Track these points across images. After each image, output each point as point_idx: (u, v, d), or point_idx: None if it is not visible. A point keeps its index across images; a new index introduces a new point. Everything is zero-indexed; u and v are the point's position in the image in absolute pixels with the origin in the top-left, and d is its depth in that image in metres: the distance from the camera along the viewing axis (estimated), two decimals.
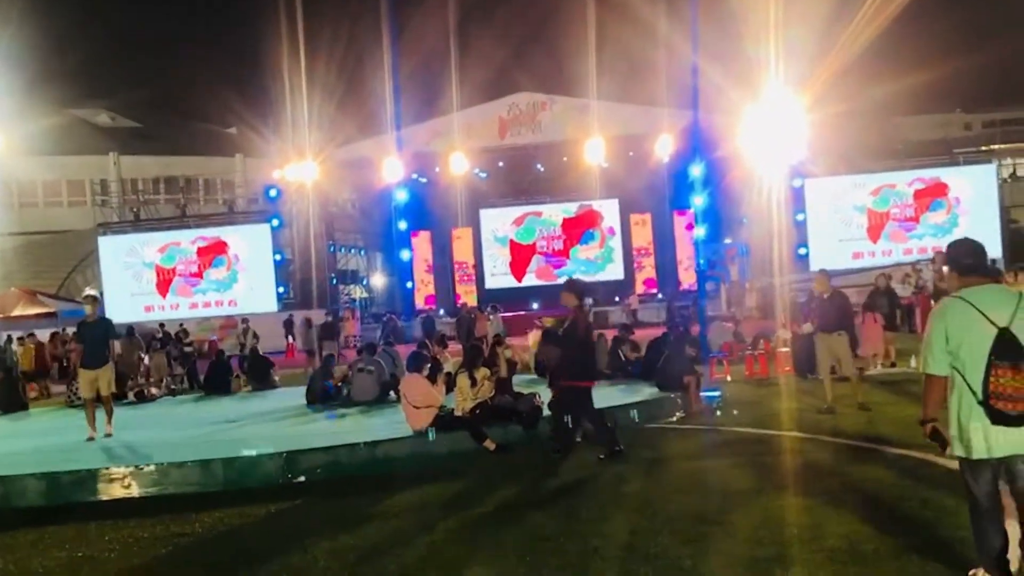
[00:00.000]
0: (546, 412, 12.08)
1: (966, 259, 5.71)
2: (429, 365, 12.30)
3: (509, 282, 50.56)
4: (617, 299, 47.39)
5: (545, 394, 12.34)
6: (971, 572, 5.72)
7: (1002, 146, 54.32)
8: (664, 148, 42.51)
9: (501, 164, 47.33)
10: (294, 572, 7.10)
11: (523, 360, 13.88)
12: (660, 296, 47.23)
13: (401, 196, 46.19)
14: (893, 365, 18.37)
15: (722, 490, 8.68)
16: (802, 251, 40.46)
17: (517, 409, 11.87)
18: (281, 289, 45.68)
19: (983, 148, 49.28)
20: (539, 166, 48.38)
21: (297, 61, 43.00)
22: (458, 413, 11.90)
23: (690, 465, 10.11)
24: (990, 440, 5.38)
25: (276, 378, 21.75)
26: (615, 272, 50.12)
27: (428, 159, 45.83)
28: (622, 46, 42.03)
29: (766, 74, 36.57)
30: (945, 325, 5.54)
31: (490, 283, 50.46)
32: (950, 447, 5.57)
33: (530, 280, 50.55)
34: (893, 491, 8.05)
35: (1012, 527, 5.61)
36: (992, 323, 5.38)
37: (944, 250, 6.03)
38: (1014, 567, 5.60)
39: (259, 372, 21.31)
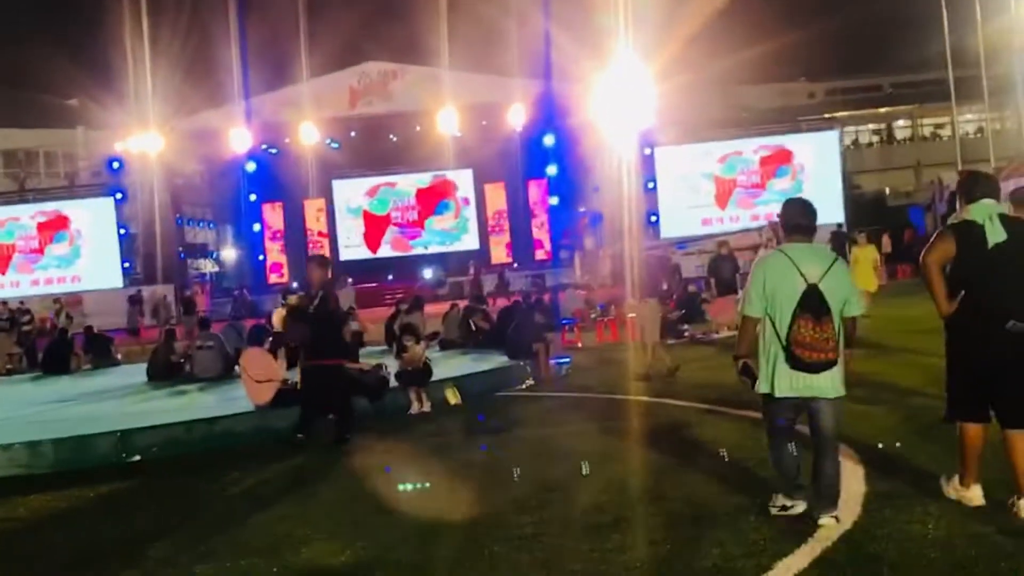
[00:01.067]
0: (393, 383, 11.88)
1: (797, 218, 6.21)
2: (271, 339, 11.92)
3: (364, 253, 50.08)
4: (472, 271, 47.39)
5: (392, 365, 12.15)
6: (776, 500, 6.30)
7: (844, 113, 56.13)
8: (517, 117, 42.58)
9: (353, 134, 46.75)
10: (120, 556, 6.73)
11: (370, 331, 13.56)
12: (515, 265, 47.38)
13: (250, 167, 45.15)
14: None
15: (567, 456, 8.59)
16: (653, 219, 41.06)
17: (363, 381, 11.60)
18: (127, 264, 44.16)
19: (826, 116, 50.78)
20: (392, 136, 47.95)
21: (139, 28, 41.55)
22: (300, 386, 11.56)
23: (536, 432, 10.04)
24: (793, 382, 5.97)
25: (118, 355, 20.95)
26: (471, 242, 50.09)
27: (278, 129, 44.93)
28: (473, 15, 41.82)
29: (615, 43, 36.87)
30: (764, 274, 6.09)
31: (344, 255, 49.80)
32: (759, 384, 6.14)
33: (385, 251, 50.18)
34: (733, 452, 8.10)
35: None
36: (804, 278, 5.92)
37: (776, 217, 6.59)
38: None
39: (99, 349, 20.50)
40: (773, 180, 41.51)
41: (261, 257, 49.15)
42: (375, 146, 48.19)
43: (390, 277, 47.39)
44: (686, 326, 19.01)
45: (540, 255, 48.05)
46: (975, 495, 6.09)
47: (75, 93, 60.04)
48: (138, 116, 42.62)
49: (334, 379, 10.40)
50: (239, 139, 42.86)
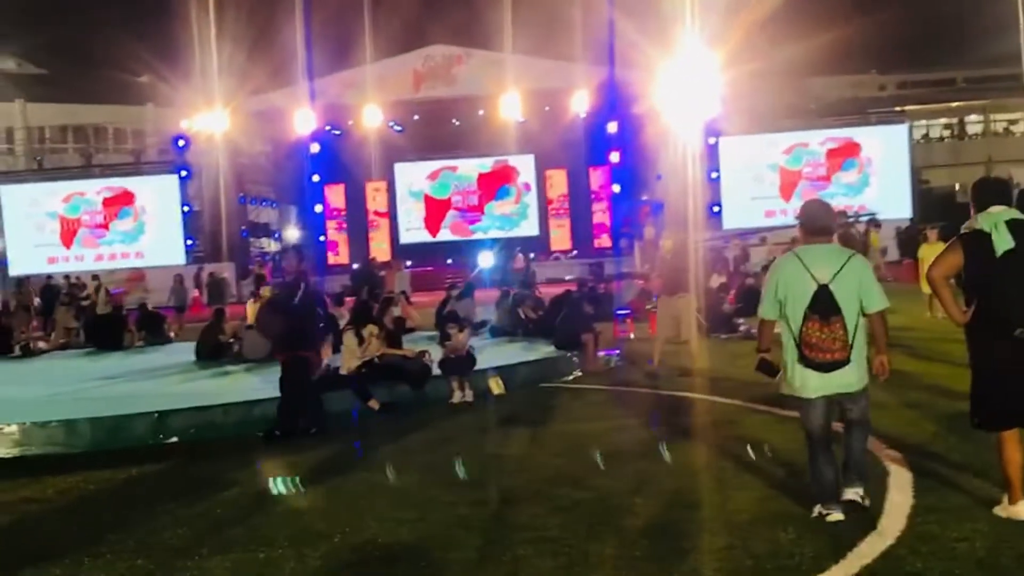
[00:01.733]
0: (436, 371, 11.73)
1: (815, 220, 6.34)
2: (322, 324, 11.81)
3: (423, 237, 49.93)
4: (532, 255, 47.14)
5: (436, 352, 11.99)
6: (814, 509, 6.19)
7: (915, 107, 54.96)
8: (580, 103, 42.14)
9: (416, 118, 46.55)
10: (137, 542, 6.63)
11: (414, 318, 13.36)
12: (575, 253, 47.06)
13: (314, 148, 45.15)
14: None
15: (605, 453, 8.36)
16: (716, 209, 40.51)
17: (405, 368, 11.47)
18: (189, 242, 44.61)
19: (896, 109, 49.75)
20: (455, 120, 47.70)
21: (207, 6, 41.73)
22: (343, 371, 11.45)
23: (577, 427, 9.79)
24: (812, 382, 6.08)
25: (171, 333, 21.07)
26: (530, 228, 49.73)
27: (341, 111, 44.88)
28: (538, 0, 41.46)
29: (681, 30, 36.36)
30: (777, 278, 6.25)
31: (404, 238, 49.75)
32: (780, 378, 6.28)
33: (445, 235, 49.97)
34: (777, 455, 7.83)
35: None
36: (815, 279, 6.02)
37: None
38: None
39: (152, 326, 20.62)
40: (839, 173, 40.70)
41: (322, 238, 49.23)
42: (438, 130, 47.97)
43: (449, 261, 47.27)
44: (742, 320, 18.62)
45: (600, 243, 47.57)
46: (1023, 510, 5.95)
47: (145, 71, 60.65)
48: (204, 95, 42.89)
49: (307, 372, 10.19)
50: (303, 120, 42.88)
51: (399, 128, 46.73)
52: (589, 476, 7.62)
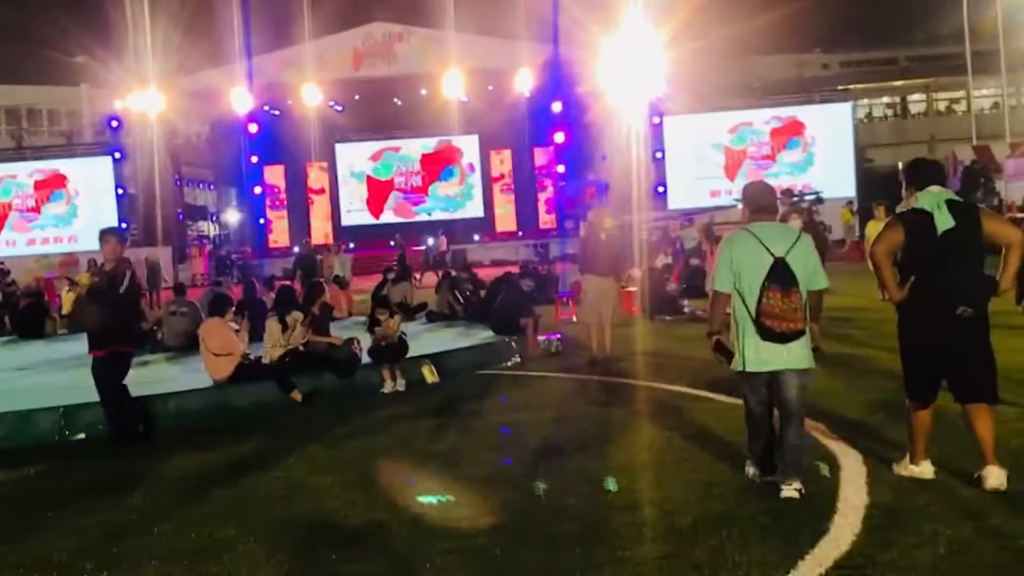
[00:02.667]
0: (365, 360, 11.12)
1: (760, 199, 6.52)
2: (232, 308, 11.10)
3: (366, 219, 49.25)
4: (476, 237, 46.59)
5: (365, 340, 11.38)
6: (748, 470, 6.53)
7: (859, 86, 55.04)
8: (524, 83, 41.54)
9: (357, 97, 45.69)
10: (19, 554, 5.99)
11: (342, 306, 12.58)
12: (520, 234, 46.59)
13: (252, 128, 44.06)
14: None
15: (539, 448, 7.86)
16: (660, 189, 40.16)
17: (332, 357, 10.85)
18: (124, 225, 43.43)
19: (840, 88, 49.71)
20: (397, 100, 46.85)
21: None
22: (265, 360, 10.81)
23: (513, 418, 9.21)
24: (762, 355, 6.15)
25: None
26: (475, 209, 49.26)
27: (280, 90, 43.90)
28: None
29: (625, 8, 35.91)
30: (731, 251, 6.29)
31: (346, 220, 49.07)
32: (734, 362, 6.32)
33: (388, 217, 49.30)
34: (722, 448, 7.35)
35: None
36: (771, 253, 6.12)
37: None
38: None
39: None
40: (784, 152, 40.62)
41: (261, 220, 48.20)
42: (379, 109, 47.09)
43: (392, 243, 46.58)
44: (686, 301, 18.22)
45: (546, 224, 47.10)
46: (926, 469, 6.30)
47: (80, 51, 59.07)
48: (138, 74, 41.68)
49: (124, 370, 9.20)
50: (240, 99, 41.84)
51: (339, 108, 45.89)
52: (523, 474, 7.06)
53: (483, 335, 13.87)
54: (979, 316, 6.07)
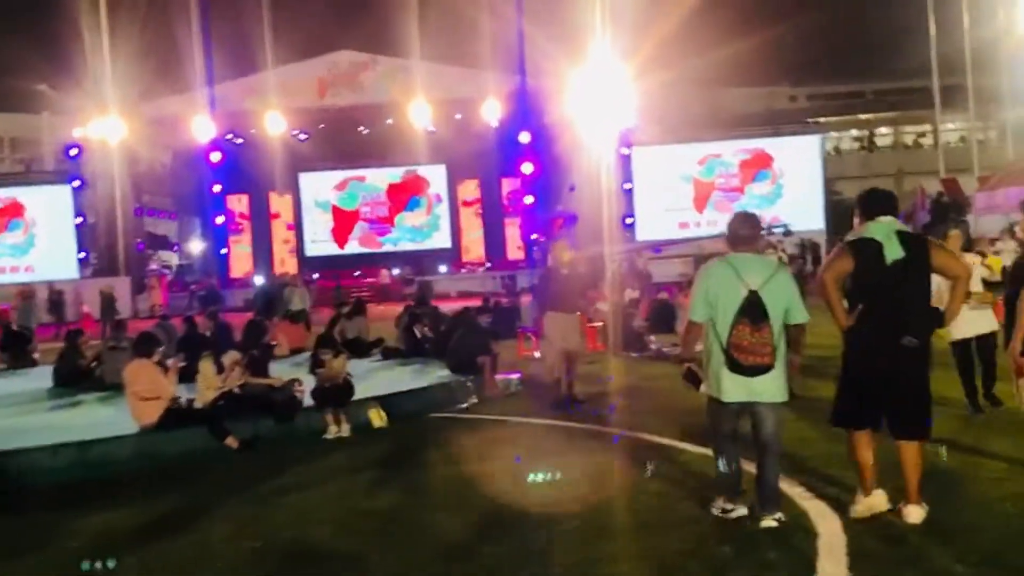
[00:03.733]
0: (308, 402, 10.37)
1: (740, 230, 6.44)
2: (161, 348, 10.27)
3: (331, 249, 48.48)
4: (443, 268, 45.92)
5: (308, 381, 10.61)
6: (716, 505, 6.43)
7: (827, 119, 54.99)
8: (492, 112, 41.01)
9: (322, 126, 45.03)
10: None
11: (283, 344, 11.69)
12: (488, 265, 45.92)
13: (215, 157, 43.25)
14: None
15: (486, 508, 7.14)
16: (629, 220, 39.70)
17: (271, 399, 10.09)
18: (83, 255, 42.56)
19: (809, 120, 49.61)
20: (362, 129, 46.22)
21: (98, 7, 39.69)
22: (199, 404, 10.04)
23: (464, 471, 8.45)
24: (733, 386, 6.16)
25: (36, 355, 19.28)
26: (442, 240, 48.62)
27: (243, 118, 43.19)
28: (448, 5, 40.28)
29: (593, 39, 35.54)
30: (708, 281, 6.32)
31: (311, 250, 48.29)
32: (704, 385, 6.36)
33: (353, 247, 48.57)
34: (682, 513, 6.67)
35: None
36: (746, 285, 6.13)
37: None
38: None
39: (15, 348, 18.85)
40: (752, 184, 40.30)
41: (224, 251, 47.29)
42: (345, 139, 46.42)
43: (357, 274, 45.88)
44: (653, 337, 17.57)
45: (514, 255, 46.47)
46: (879, 501, 6.25)
47: (41, 78, 58.14)
48: (98, 101, 40.84)
49: None
50: (202, 127, 41.11)
51: (304, 136, 45.21)
52: (471, 542, 6.33)
53: (439, 374, 13.13)
54: (922, 348, 6.14)
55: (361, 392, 10.93)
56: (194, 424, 9.57)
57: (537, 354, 17.21)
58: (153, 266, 46.79)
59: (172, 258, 51.45)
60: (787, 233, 28.70)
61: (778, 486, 6.30)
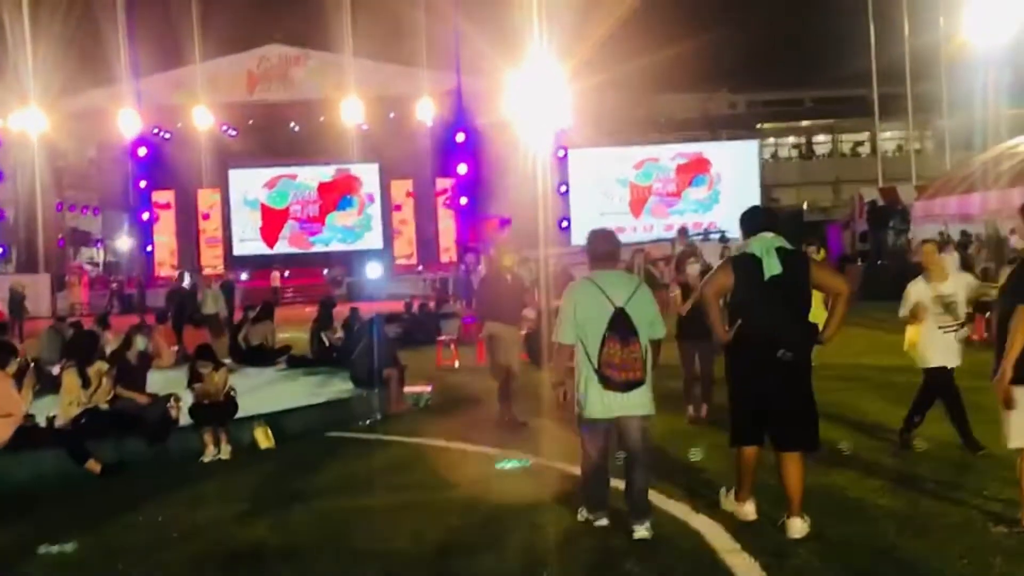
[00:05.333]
0: (185, 420, 9.40)
1: (602, 246, 6.55)
2: (16, 359, 9.16)
3: (260, 248, 47.23)
4: (376, 269, 44.91)
5: (187, 397, 9.63)
6: (580, 513, 6.54)
7: (766, 125, 54.87)
8: (426, 111, 40.15)
9: (251, 121, 43.94)
10: None
11: (165, 356, 10.65)
12: (420, 268, 44.94)
13: (141, 152, 41.86)
14: None
15: (365, 555, 6.28)
16: (564, 224, 39.02)
17: (141, 417, 9.12)
18: (1, 249, 41.11)
19: (746, 127, 49.42)
20: (294, 125, 45.15)
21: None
22: (60, 421, 9.03)
23: (350, 504, 7.52)
24: (605, 402, 6.22)
25: None
26: (374, 241, 47.61)
27: (170, 113, 41.96)
28: (383, 0, 39.33)
29: (530, 39, 34.80)
30: (575, 302, 6.35)
31: (239, 249, 47.00)
32: (577, 404, 6.39)
33: (282, 247, 47.39)
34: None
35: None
36: (611, 302, 6.21)
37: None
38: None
39: None
40: (689, 189, 39.93)
41: (149, 248, 45.85)
42: (275, 135, 45.39)
43: (287, 274, 44.74)
44: None
45: (446, 258, 45.54)
46: (748, 511, 6.42)
47: None
48: (18, 92, 39.32)
49: None
50: (127, 121, 39.74)
51: (233, 132, 44.03)
52: None
53: (340, 387, 12.19)
54: (800, 363, 6.17)
55: (250, 408, 10.02)
56: (49, 445, 8.57)
57: (455, 364, 16.47)
58: (80, 263, 45.36)
59: (97, 255, 49.89)
60: (723, 239, 28.15)
61: (647, 495, 6.38)
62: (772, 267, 6.13)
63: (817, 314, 12.54)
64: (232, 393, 9.58)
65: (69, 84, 39.94)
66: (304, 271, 45.05)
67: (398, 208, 46.94)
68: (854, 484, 7.32)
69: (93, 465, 8.48)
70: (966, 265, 24.25)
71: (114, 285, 42.20)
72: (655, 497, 6.75)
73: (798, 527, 6.08)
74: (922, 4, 37.39)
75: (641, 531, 6.15)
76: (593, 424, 6.34)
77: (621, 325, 6.14)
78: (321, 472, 8.72)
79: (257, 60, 42.12)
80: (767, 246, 6.21)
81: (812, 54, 57.68)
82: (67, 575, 6.12)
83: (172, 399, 9.32)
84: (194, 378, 9.50)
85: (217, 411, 9.31)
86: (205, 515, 7.38)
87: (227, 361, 14.70)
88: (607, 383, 6.14)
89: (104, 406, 9.19)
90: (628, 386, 6.14)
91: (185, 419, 9.35)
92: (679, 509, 6.84)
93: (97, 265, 48.39)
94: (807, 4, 57.04)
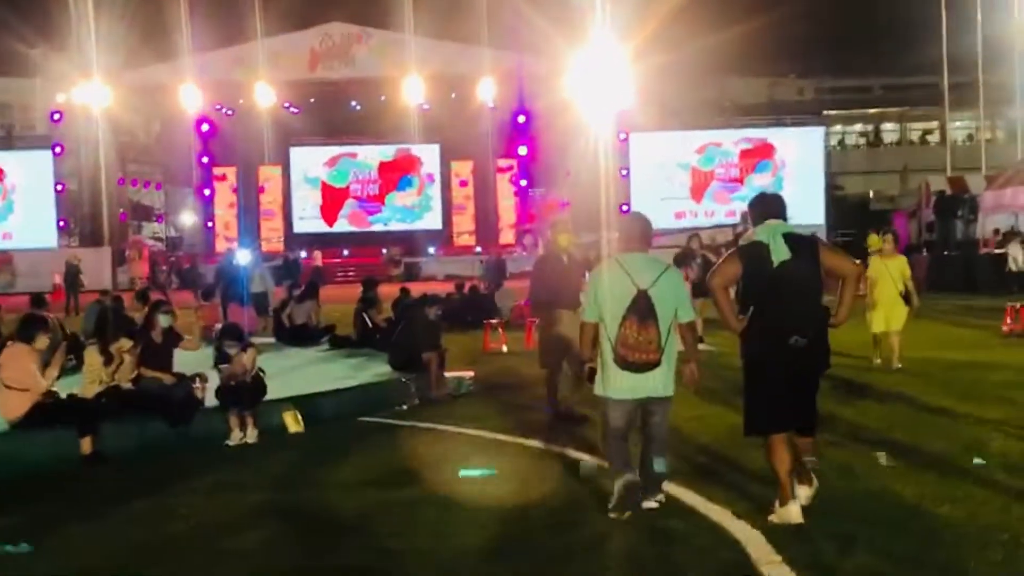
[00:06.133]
0: (211, 402, 9.08)
1: (634, 231, 6.58)
2: (48, 333, 8.80)
3: (320, 227, 47.19)
4: (432, 250, 44.75)
5: (213, 377, 9.30)
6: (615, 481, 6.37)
7: (833, 112, 53.67)
8: (487, 92, 39.78)
9: (313, 100, 43.86)
10: None
11: (193, 340, 10.23)
12: (478, 249, 44.60)
13: (203, 128, 42.02)
14: (701, 340, 15.25)
15: (388, 549, 5.90)
16: (624, 208, 38.39)
17: (165, 397, 8.80)
18: (61, 223, 41.52)
19: (813, 113, 48.35)
20: (355, 104, 45.02)
21: None
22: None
23: (375, 498, 7.12)
24: (625, 383, 6.26)
25: None
26: (433, 221, 47.47)
27: (232, 89, 42.10)
28: None
29: (593, 19, 34.22)
30: (599, 281, 6.45)
31: (299, 227, 47.08)
32: (595, 385, 6.48)
33: (342, 226, 47.35)
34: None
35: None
36: (635, 284, 6.22)
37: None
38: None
39: None
40: (752, 175, 39.08)
41: (210, 224, 46.06)
42: (336, 114, 45.38)
43: (346, 252, 44.73)
44: None
45: (505, 239, 45.15)
46: (793, 512, 6.03)
47: (35, 42, 56.84)
48: (82, 66, 39.60)
49: None
50: (189, 96, 39.90)
51: (295, 110, 44.03)
52: None
53: (378, 371, 11.80)
54: (815, 347, 6.12)
55: (284, 389, 9.70)
56: (66, 422, 8.26)
57: (505, 348, 16.08)
58: (140, 237, 45.67)
59: (157, 229, 50.23)
60: None
61: (663, 478, 6.52)
62: (780, 253, 6.08)
63: (896, 304, 12.02)
64: (261, 374, 9.24)
65: (132, 58, 40.26)
66: (363, 250, 45.00)
67: (465, 184, 46.57)
68: (909, 490, 6.78)
69: (85, 445, 8.13)
70: None
71: (172, 260, 42.40)
72: (694, 499, 6.55)
73: (805, 492, 6.17)
74: None
75: (651, 502, 6.38)
76: (614, 405, 6.37)
77: (640, 307, 6.15)
78: (347, 460, 8.32)
79: (319, 37, 42.06)
80: (774, 232, 6.16)
81: (882, 41, 56.56)
82: (69, 561, 5.77)
83: (198, 379, 8.99)
84: (221, 358, 9.18)
85: (244, 393, 8.95)
86: (211, 508, 6.97)
87: (266, 340, 14.52)
88: (621, 363, 6.19)
89: (127, 385, 8.91)
90: (641, 367, 6.18)
91: (211, 400, 9.02)
92: (720, 515, 6.36)
93: (160, 240, 48.63)
94: None
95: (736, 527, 6.06)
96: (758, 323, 6.15)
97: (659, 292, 6.21)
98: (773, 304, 6.09)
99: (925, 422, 9.05)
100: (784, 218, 6.34)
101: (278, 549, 6.05)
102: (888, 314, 12.01)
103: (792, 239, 6.14)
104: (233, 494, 7.31)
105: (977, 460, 7.33)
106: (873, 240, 31.50)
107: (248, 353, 9.23)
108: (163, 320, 9.32)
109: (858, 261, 7.32)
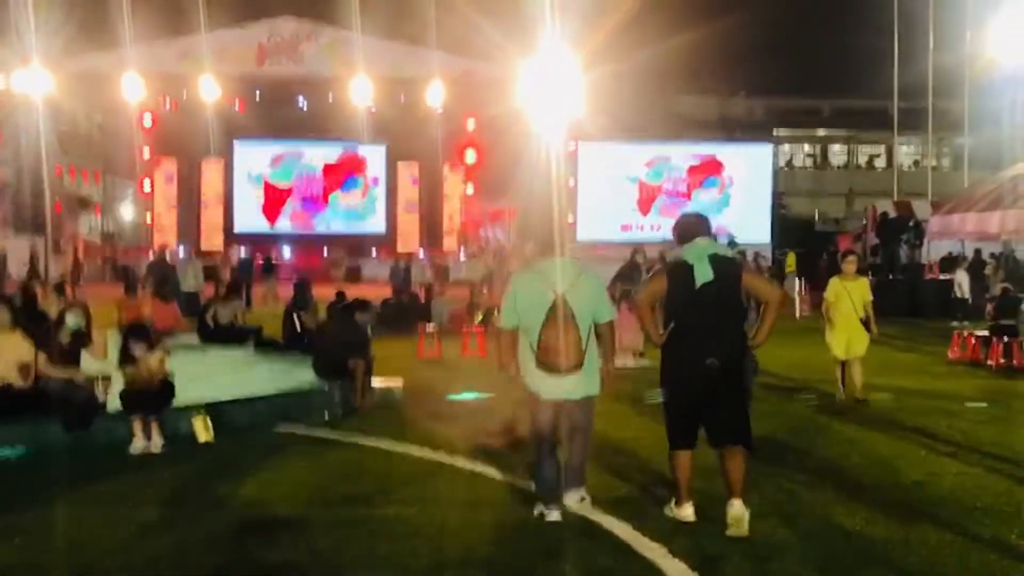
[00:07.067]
0: (114, 406, 8.51)
1: (547, 239, 6.70)
2: None
3: (261, 226, 46.28)
4: (374, 254, 44.19)
5: (117, 378, 8.69)
6: (536, 508, 6.50)
7: (782, 131, 53.93)
8: (436, 95, 39.20)
9: (259, 95, 42.93)
10: None
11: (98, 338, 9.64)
12: (421, 255, 44.09)
13: (146, 120, 41.03)
14: (641, 355, 14.86)
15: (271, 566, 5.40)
16: (569, 219, 38.07)
17: (63, 399, 8.21)
18: None
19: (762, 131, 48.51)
20: (302, 103, 44.22)
21: None
22: None
23: (278, 514, 6.67)
24: (547, 385, 6.42)
25: None
26: (376, 225, 46.74)
27: (177, 81, 40.95)
28: None
29: (543, 24, 33.87)
30: (516, 290, 6.57)
31: (240, 225, 46.04)
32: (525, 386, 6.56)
33: (283, 225, 46.46)
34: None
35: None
36: (552, 290, 6.39)
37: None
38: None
39: None
40: (699, 191, 38.93)
41: (149, 217, 45.02)
42: (282, 111, 44.40)
43: (286, 253, 44.00)
44: None
45: (449, 245, 44.67)
46: (687, 512, 6.37)
47: None
48: (20, 53, 38.48)
49: None
50: (133, 87, 38.86)
51: (240, 105, 43.06)
52: None
53: (298, 378, 11.20)
54: (729, 369, 6.23)
55: (198, 395, 9.14)
56: None
57: (439, 356, 15.64)
58: (78, 231, 44.70)
59: (94, 222, 49.17)
60: (732, 244, 27.19)
61: (583, 466, 6.72)
62: (703, 274, 6.22)
63: (856, 329, 11.60)
64: (169, 378, 8.66)
65: (73, 46, 39.20)
66: (305, 251, 44.32)
67: (415, 183, 45.99)
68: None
69: None
70: (981, 285, 23.42)
71: (108, 254, 41.46)
72: (628, 533, 6.25)
73: (736, 507, 6.11)
74: (949, 21, 36.48)
75: (573, 498, 6.57)
76: (539, 404, 6.48)
77: (560, 312, 6.28)
78: (256, 475, 7.79)
79: (268, 32, 41.19)
80: (700, 253, 6.28)
81: (834, 64, 56.82)
82: None
83: (99, 380, 8.40)
84: (125, 359, 8.57)
85: (150, 398, 8.38)
86: (97, 521, 6.43)
87: (189, 341, 13.87)
88: (547, 368, 6.32)
89: (20, 383, 8.30)
90: (567, 370, 6.31)
91: (115, 404, 8.43)
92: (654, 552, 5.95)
93: (99, 233, 47.66)
94: (831, 13, 56.16)
95: (671, 567, 5.63)
96: (677, 343, 6.31)
97: (576, 295, 6.36)
98: (692, 325, 6.24)
99: (879, 455, 8.73)
100: (710, 237, 6.50)
101: (169, 567, 5.53)
102: (849, 340, 11.44)
103: (716, 261, 6.24)
104: (121, 508, 6.75)
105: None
106: (790, 260, 31.42)
107: (156, 355, 8.65)
108: (70, 320, 8.71)
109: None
